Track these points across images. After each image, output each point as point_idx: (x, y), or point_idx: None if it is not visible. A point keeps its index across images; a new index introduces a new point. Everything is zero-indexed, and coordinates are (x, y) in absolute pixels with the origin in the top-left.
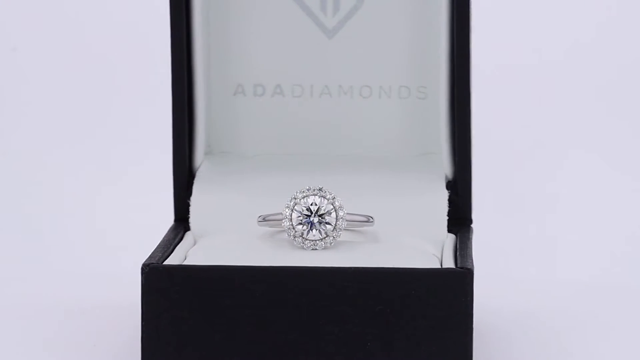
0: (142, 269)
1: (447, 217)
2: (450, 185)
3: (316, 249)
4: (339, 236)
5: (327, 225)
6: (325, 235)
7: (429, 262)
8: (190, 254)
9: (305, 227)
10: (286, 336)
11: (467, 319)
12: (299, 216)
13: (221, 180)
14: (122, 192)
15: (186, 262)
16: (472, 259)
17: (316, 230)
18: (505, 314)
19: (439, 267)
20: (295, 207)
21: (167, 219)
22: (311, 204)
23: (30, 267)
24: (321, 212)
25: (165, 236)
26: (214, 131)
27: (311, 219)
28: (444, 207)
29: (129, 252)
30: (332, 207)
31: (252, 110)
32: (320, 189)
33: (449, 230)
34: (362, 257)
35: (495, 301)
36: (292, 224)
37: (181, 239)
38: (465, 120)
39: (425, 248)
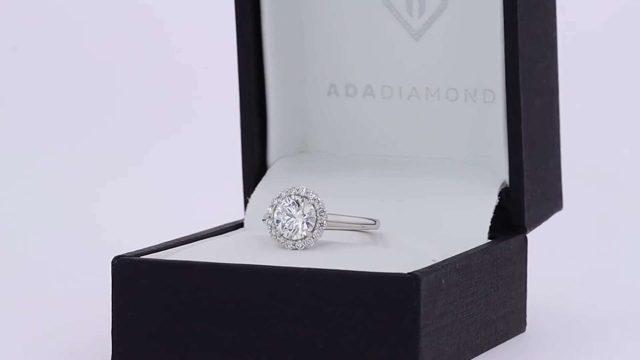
0: (112, 262)
1: (489, 223)
2: (504, 191)
3: (297, 249)
4: (320, 236)
5: (308, 222)
6: (304, 236)
7: (408, 267)
8: (187, 248)
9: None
10: (239, 334)
11: (415, 324)
12: (280, 213)
13: (288, 179)
14: (192, 188)
15: (172, 257)
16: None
17: (296, 221)
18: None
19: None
20: (277, 206)
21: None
22: (292, 204)
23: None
24: (302, 210)
25: (207, 232)
26: (311, 130)
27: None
28: (488, 213)
29: None
30: (312, 207)
31: (345, 111)
32: (303, 189)
33: (494, 237)
34: (337, 259)
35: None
36: (274, 223)
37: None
38: (516, 126)
39: (428, 253)
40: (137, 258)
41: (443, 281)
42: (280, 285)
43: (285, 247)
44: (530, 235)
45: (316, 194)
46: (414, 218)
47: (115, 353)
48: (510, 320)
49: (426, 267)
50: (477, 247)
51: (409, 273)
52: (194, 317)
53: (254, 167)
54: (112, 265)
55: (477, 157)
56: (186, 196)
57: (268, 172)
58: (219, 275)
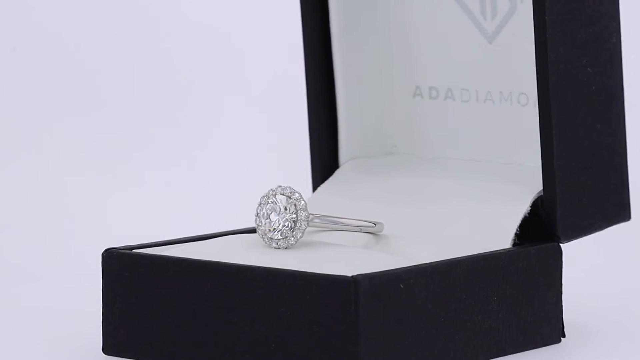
0: (102, 254)
1: (515, 230)
2: (540, 199)
3: (279, 248)
4: (301, 236)
5: (288, 222)
6: (285, 235)
7: (375, 269)
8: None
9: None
10: (204, 329)
11: (356, 328)
12: (264, 212)
13: (353, 181)
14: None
15: (162, 253)
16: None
17: (278, 221)
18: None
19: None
20: (263, 205)
21: None
22: (274, 203)
23: None
24: (283, 210)
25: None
26: (399, 132)
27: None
28: (515, 220)
29: None
30: (294, 207)
31: (430, 113)
32: (287, 188)
33: (519, 244)
34: (310, 260)
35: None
36: (259, 221)
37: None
38: (547, 131)
39: (421, 257)
40: (123, 251)
41: (401, 286)
42: (240, 283)
43: (269, 247)
44: (581, 245)
45: (300, 194)
46: (442, 221)
47: (105, 344)
48: (531, 330)
49: (377, 271)
50: (477, 254)
51: (351, 276)
52: (168, 311)
53: (323, 167)
54: (102, 257)
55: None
56: (227, 196)
57: (335, 173)
58: (187, 270)
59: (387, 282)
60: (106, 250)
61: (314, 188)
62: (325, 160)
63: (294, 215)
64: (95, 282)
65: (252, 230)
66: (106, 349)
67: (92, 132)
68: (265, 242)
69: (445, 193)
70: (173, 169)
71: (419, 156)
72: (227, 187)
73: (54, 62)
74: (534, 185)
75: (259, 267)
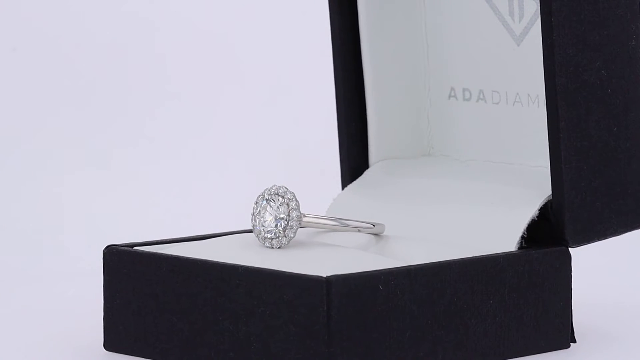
0: (103, 252)
1: (520, 233)
2: (550, 203)
3: (272, 247)
4: (293, 236)
5: (281, 221)
6: (277, 235)
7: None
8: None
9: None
10: (198, 326)
11: (328, 329)
12: (258, 212)
13: (380, 183)
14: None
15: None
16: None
17: (270, 220)
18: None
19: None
20: (258, 205)
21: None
22: (268, 202)
23: None
24: (276, 210)
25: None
26: (435, 134)
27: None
28: (521, 224)
29: None
30: (286, 207)
31: (464, 115)
32: (281, 188)
33: (526, 248)
34: (297, 259)
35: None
36: (254, 221)
37: None
38: (555, 135)
39: (414, 259)
40: (124, 248)
41: (380, 287)
42: (224, 281)
43: (264, 246)
44: (595, 250)
45: (293, 194)
46: (451, 224)
47: (106, 340)
48: (534, 335)
49: (355, 272)
50: (472, 257)
51: (325, 276)
52: (163, 308)
53: (353, 168)
54: (103, 254)
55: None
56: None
57: (364, 174)
58: (178, 268)
59: (363, 283)
60: (107, 247)
61: (343, 188)
62: (353, 162)
63: (287, 215)
64: (97, 279)
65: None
66: (107, 345)
67: (91, 130)
68: (260, 242)
69: (462, 196)
70: (173, 166)
71: (454, 158)
72: (229, 187)
73: (54, 63)
74: (539, 188)
75: (242, 266)
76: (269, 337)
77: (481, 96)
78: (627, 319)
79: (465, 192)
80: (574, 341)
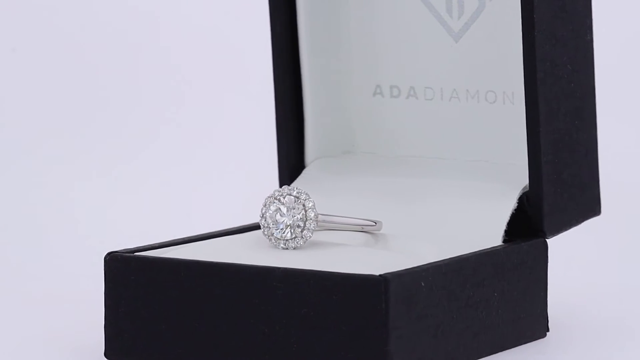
0: (104, 258)
1: (505, 227)
2: (524, 196)
3: (287, 249)
4: (310, 237)
5: (298, 223)
6: (294, 236)
7: (393, 269)
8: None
9: (274, 225)
10: (219, 332)
11: (384, 327)
12: (271, 213)
13: (322, 180)
14: (224, 187)
15: (165, 255)
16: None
17: (287, 222)
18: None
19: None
20: (270, 206)
21: None
22: (283, 204)
23: None
24: (292, 211)
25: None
26: (358, 131)
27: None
28: (504, 217)
29: None
30: (302, 208)
31: (390, 112)
32: (294, 189)
33: (510, 241)
34: (324, 260)
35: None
36: (266, 223)
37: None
38: (534, 129)
39: (426, 255)
40: (126, 254)
41: (423, 284)
42: (257, 284)
43: (277, 247)
44: (560, 240)
45: (307, 195)
46: (430, 220)
47: (107, 348)
48: (523, 325)
49: (402, 270)
50: (478, 251)
51: (379, 275)
52: (177, 314)
53: (290, 167)
54: (105, 260)
55: (512, 161)
56: (219, 195)
57: (303, 172)
58: (200, 272)
59: (411, 281)
60: (109, 254)
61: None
62: (292, 160)
63: (303, 216)
64: (97, 286)
65: (250, 229)
66: (108, 354)
67: (92, 132)
68: (273, 243)
69: (424, 191)
70: (172, 168)
71: (379, 155)
72: (225, 187)
73: (53, 63)
74: (513, 182)
75: (279, 268)
76: (314, 338)
77: (412, 93)
78: (591, 308)
79: (420, 188)
80: (548, 330)
